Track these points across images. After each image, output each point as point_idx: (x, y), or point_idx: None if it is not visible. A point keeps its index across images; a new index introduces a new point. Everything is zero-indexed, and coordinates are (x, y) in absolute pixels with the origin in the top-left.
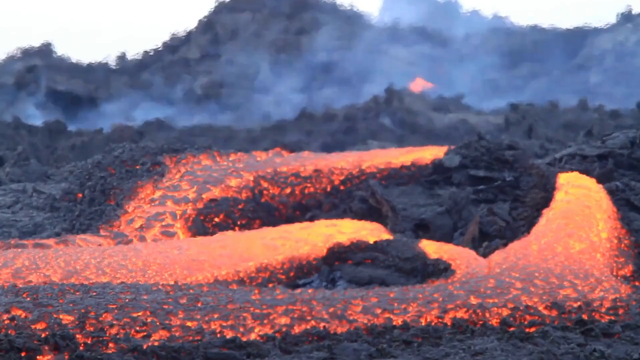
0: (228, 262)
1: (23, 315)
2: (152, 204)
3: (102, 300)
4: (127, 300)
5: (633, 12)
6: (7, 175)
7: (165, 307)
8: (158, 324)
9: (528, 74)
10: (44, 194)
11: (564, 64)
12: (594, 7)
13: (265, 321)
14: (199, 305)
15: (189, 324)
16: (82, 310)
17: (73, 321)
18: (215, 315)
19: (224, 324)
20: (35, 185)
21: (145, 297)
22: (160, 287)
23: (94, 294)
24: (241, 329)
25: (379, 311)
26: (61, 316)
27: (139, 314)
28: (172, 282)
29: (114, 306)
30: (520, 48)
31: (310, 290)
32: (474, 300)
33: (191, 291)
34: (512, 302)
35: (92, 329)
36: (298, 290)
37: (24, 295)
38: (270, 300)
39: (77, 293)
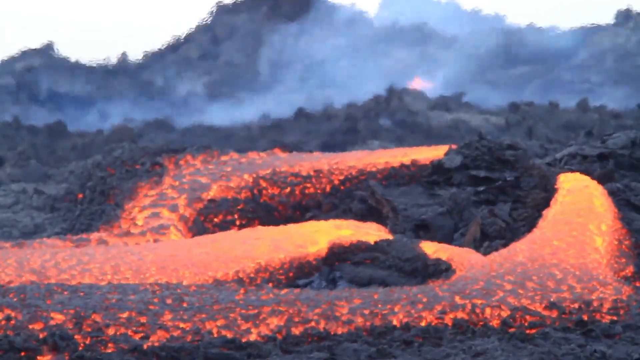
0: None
1: (14, 314)
2: (146, 210)
3: (90, 300)
4: (113, 300)
5: (633, 12)
6: (7, 176)
7: (152, 307)
8: (153, 323)
9: (528, 74)
10: (44, 195)
11: (564, 64)
12: (594, 7)
13: (257, 321)
14: (184, 305)
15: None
16: (72, 311)
17: (66, 321)
18: (203, 316)
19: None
20: (36, 185)
21: (132, 297)
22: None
23: (82, 294)
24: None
25: (367, 312)
26: (52, 315)
27: (125, 314)
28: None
29: (104, 307)
30: (520, 48)
31: (295, 291)
32: (470, 302)
33: (178, 290)
34: (505, 303)
35: (90, 329)
36: (284, 291)
37: (11, 296)
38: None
39: (65, 293)
